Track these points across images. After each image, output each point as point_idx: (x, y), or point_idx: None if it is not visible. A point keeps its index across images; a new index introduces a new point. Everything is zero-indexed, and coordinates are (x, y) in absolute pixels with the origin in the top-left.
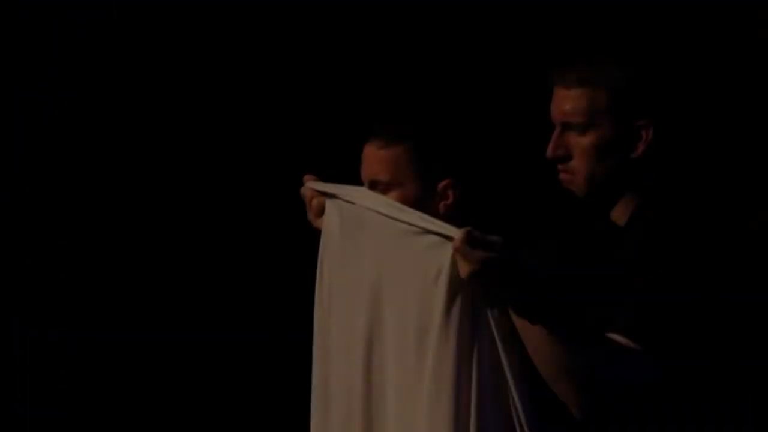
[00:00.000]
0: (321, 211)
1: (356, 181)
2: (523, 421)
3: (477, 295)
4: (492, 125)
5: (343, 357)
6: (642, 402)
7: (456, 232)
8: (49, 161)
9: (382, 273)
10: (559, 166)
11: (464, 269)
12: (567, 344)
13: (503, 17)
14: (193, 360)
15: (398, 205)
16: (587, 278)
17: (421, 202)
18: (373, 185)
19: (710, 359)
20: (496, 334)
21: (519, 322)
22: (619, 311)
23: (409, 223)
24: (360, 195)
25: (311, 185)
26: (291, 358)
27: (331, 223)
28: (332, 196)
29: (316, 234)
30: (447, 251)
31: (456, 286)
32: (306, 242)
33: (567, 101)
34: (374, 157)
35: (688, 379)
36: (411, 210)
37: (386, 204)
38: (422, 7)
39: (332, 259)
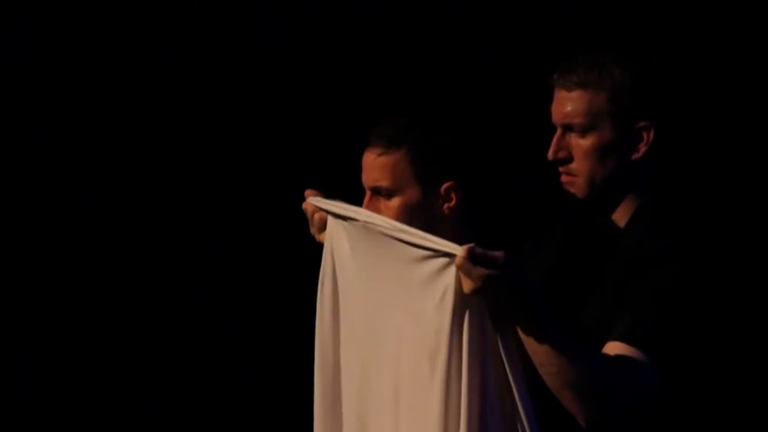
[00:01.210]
0: (323, 226)
1: (357, 185)
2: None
3: (483, 310)
4: (493, 127)
5: (352, 375)
6: (646, 409)
7: (458, 249)
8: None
9: (387, 292)
10: (561, 168)
11: (467, 286)
12: (570, 357)
13: (504, 17)
14: (191, 374)
15: (399, 225)
16: (586, 284)
17: (424, 206)
18: (375, 191)
19: (712, 363)
20: (501, 348)
21: (524, 336)
22: (619, 318)
23: (411, 243)
24: (361, 214)
25: (312, 201)
26: (290, 370)
27: (333, 239)
28: (334, 214)
29: (317, 246)
30: (451, 269)
31: (461, 303)
32: (306, 255)
33: (568, 103)
34: (374, 164)
35: (691, 384)
36: (412, 229)
37: (388, 224)
38: (421, 8)
39: (333, 275)
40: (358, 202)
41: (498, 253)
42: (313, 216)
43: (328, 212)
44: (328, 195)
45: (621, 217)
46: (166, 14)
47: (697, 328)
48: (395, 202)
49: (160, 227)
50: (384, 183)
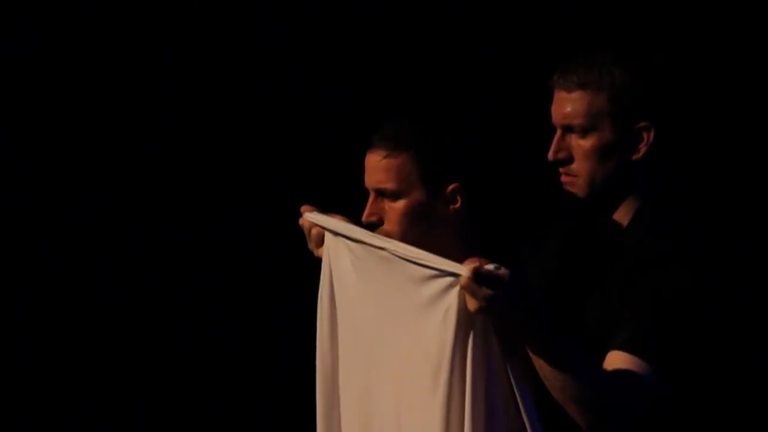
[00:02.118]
0: (321, 241)
1: (357, 186)
2: None
3: (487, 328)
4: (492, 128)
5: (353, 391)
6: (650, 413)
7: (462, 269)
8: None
9: (388, 309)
10: (561, 169)
11: (472, 305)
12: (575, 373)
13: (504, 17)
14: (190, 389)
15: (401, 244)
16: (588, 285)
17: (428, 208)
18: (380, 194)
19: (713, 366)
20: (507, 365)
21: (529, 351)
22: (620, 321)
23: (414, 262)
24: (358, 232)
25: (309, 217)
26: (293, 384)
27: (331, 255)
28: (333, 232)
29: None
30: (455, 288)
31: (465, 321)
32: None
33: (567, 104)
34: (379, 166)
35: (694, 388)
36: (412, 248)
37: (389, 244)
38: (421, 8)
39: (331, 291)
40: (357, 203)
41: (503, 272)
42: (310, 231)
43: (326, 229)
44: (327, 203)
45: (622, 217)
46: (166, 14)
47: (698, 331)
48: (400, 204)
49: (153, 232)
50: (389, 185)
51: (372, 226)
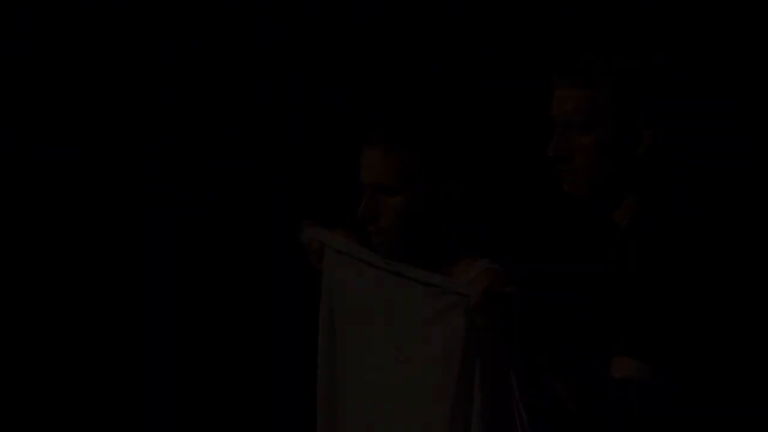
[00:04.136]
0: (321, 254)
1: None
2: None
3: (494, 341)
4: (493, 126)
5: (354, 405)
6: (655, 417)
7: (471, 290)
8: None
9: (392, 324)
10: (561, 166)
11: (482, 323)
12: (581, 378)
13: (504, 17)
14: (190, 410)
15: (402, 265)
16: (589, 284)
17: (428, 205)
18: (378, 189)
19: (717, 368)
20: (513, 380)
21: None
22: (623, 323)
23: (421, 281)
24: (360, 252)
25: (309, 232)
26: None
27: (332, 270)
28: (333, 249)
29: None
30: (461, 306)
31: (471, 338)
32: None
33: (568, 101)
34: (378, 161)
35: (698, 389)
36: (416, 269)
37: (390, 263)
38: (421, 8)
39: (332, 307)
40: (357, 202)
41: (512, 288)
42: (310, 245)
43: (327, 245)
44: (327, 202)
45: (622, 216)
46: (166, 14)
47: (700, 332)
48: (398, 199)
49: (152, 234)
50: (388, 181)
51: (368, 221)
